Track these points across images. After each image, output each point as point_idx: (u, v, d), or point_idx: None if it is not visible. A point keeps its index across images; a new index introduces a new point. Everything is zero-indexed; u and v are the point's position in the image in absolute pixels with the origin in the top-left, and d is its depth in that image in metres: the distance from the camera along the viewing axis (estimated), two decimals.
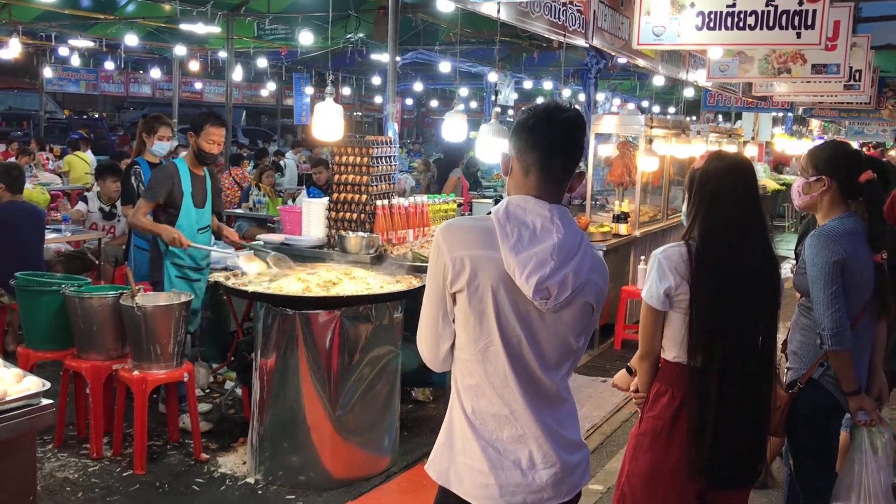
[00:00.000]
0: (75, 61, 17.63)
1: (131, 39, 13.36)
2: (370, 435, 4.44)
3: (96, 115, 26.25)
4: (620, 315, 7.29)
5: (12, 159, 11.25)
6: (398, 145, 5.63)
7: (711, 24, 5.55)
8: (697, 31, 5.61)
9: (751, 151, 13.91)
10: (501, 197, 6.34)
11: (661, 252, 2.61)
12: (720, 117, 20.71)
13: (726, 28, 5.51)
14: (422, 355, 2.21)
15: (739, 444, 2.55)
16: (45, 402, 2.49)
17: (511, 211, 2.02)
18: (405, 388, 5.23)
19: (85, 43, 15.26)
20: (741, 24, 5.46)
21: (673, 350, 2.62)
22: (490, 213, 2.08)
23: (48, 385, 2.49)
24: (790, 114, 17.24)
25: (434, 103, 29.54)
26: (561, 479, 2.11)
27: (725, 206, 2.55)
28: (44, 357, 4.62)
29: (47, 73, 19.21)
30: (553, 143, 2.04)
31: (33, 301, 4.61)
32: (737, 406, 2.53)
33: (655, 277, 2.58)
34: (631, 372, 3.20)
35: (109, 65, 17.68)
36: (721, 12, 5.48)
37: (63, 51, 16.37)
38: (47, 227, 6.79)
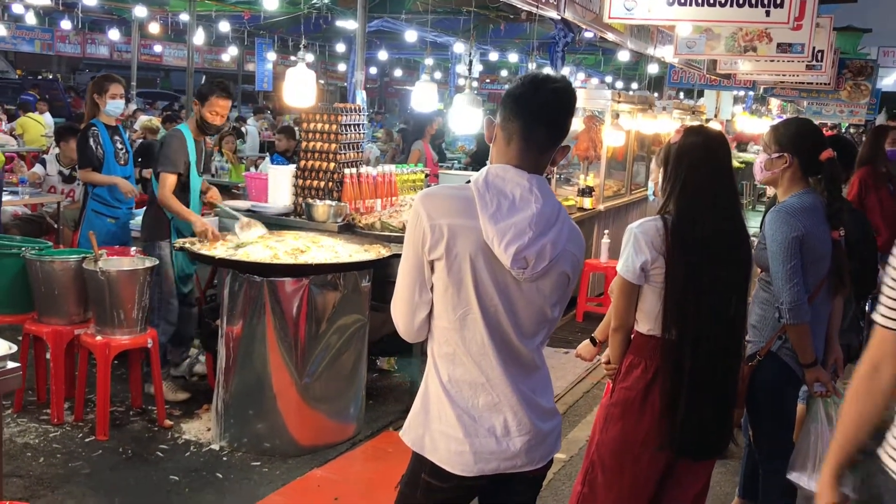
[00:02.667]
0: (30, 19, 17.10)
1: None
2: (336, 403, 4.45)
3: (50, 76, 25.57)
4: (583, 288, 7.37)
5: None
6: (366, 113, 5.58)
7: (682, 0, 5.58)
8: (668, 6, 5.63)
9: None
10: (469, 168, 6.33)
11: (638, 226, 2.64)
12: (682, 94, 20.87)
13: (697, 4, 5.54)
14: (396, 325, 2.21)
15: (708, 416, 2.60)
16: (12, 364, 2.44)
17: (490, 180, 2.02)
18: (370, 357, 5.23)
19: (41, 1, 14.79)
20: (712, 1, 5.49)
21: (647, 323, 2.65)
22: (469, 181, 2.07)
23: (14, 348, 2.45)
24: (751, 92, 17.45)
25: (398, 73, 29.26)
26: (534, 447, 2.13)
27: (701, 181, 2.58)
28: (3, 321, 4.52)
29: (0, 30, 18.61)
30: (536, 113, 2.04)
31: None
32: (707, 378, 2.58)
33: (632, 251, 2.61)
34: (594, 343, 3.25)
35: (66, 24, 17.14)
36: None
37: (17, 8, 15.85)
38: (3, 189, 6.62)
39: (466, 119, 5.05)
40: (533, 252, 1.99)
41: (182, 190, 4.84)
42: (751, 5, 5.38)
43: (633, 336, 2.74)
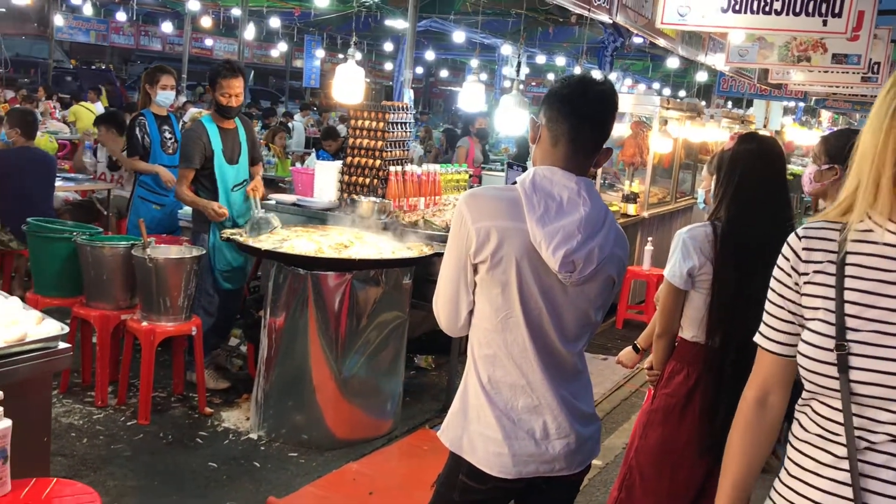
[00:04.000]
0: (87, 10, 17.47)
1: None
2: (374, 398, 4.47)
3: (104, 67, 26.06)
4: (624, 295, 7.31)
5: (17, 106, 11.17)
6: (413, 112, 5.60)
7: (737, 7, 5.51)
8: (722, 13, 5.56)
9: None
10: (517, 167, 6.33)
11: (687, 231, 2.61)
12: (730, 103, 20.60)
13: (752, 12, 5.46)
14: (439, 322, 2.21)
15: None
16: (63, 345, 2.50)
17: (538, 182, 2.01)
18: (408, 355, 5.25)
19: None
20: (767, 9, 5.42)
21: (691, 329, 2.63)
22: (515, 182, 2.07)
23: (66, 329, 2.51)
24: (802, 103, 17.15)
25: (444, 73, 29.32)
26: (574, 451, 2.12)
27: (753, 188, 2.55)
28: (52, 304, 4.62)
29: (58, 20, 19.04)
30: (585, 116, 2.03)
31: (44, 247, 4.62)
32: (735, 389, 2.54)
33: (679, 256, 2.59)
34: (637, 350, 3.22)
35: (121, 16, 17.52)
36: None
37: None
38: (56, 175, 6.77)
39: (512, 120, 5.04)
40: (581, 255, 1.98)
41: (209, 180, 4.80)
42: (807, 14, 5.30)
43: (676, 342, 2.72)
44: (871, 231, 1.43)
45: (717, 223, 2.58)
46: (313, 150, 11.22)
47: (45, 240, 4.61)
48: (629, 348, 3.25)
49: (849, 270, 1.43)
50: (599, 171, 8.04)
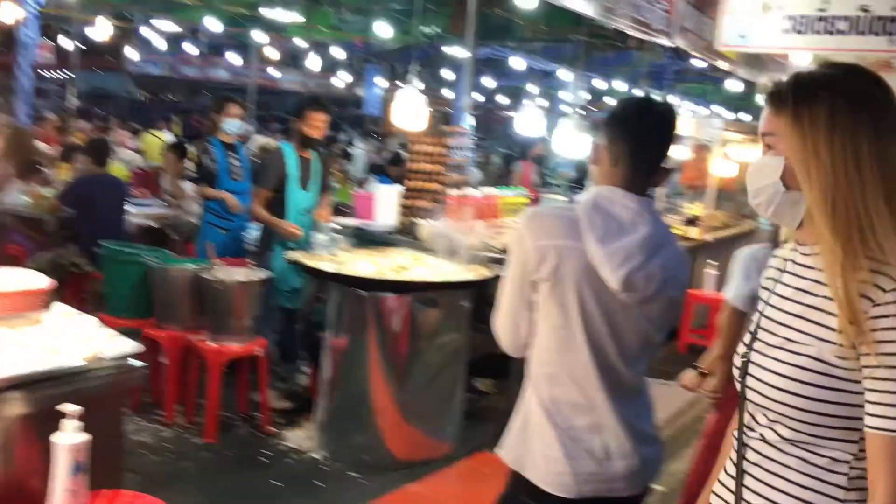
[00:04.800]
0: (157, 43, 18.10)
1: (213, 24, 13.66)
2: (433, 420, 4.50)
3: (174, 98, 26.92)
4: (686, 319, 7.21)
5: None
6: (473, 137, 5.68)
7: (800, 28, 5.42)
8: (785, 34, 5.48)
9: None
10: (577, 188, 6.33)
11: (748, 252, 2.60)
12: None
13: (815, 32, 5.38)
14: (499, 340, 2.24)
15: None
16: (136, 363, 2.59)
17: (598, 202, 2.03)
18: (468, 378, 5.27)
19: (168, 25, 15.65)
20: (831, 29, 5.33)
21: None
22: (575, 202, 2.09)
23: (141, 348, 2.60)
24: None
25: (503, 100, 29.43)
26: (635, 472, 2.11)
27: None
28: (124, 325, 4.75)
29: (130, 54, 19.75)
30: (645, 136, 2.05)
31: (117, 270, 4.80)
32: None
33: (741, 278, 2.57)
34: (699, 372, 3.19)
35: (190, 48, 18.09)
36: (811, 16, 5.36)
37: (147, 33, 16.81)
38: (127, 201, 7.03)
39: (571, 144, 5.05)
40: (642, 276, 1.98)
41: (281, 203, 5.04)
42: (874, 33, 5.19)
43: None
44: (790, 252, 1.56)
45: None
46: (373, 175, 11.39)
47: (117, 263, 4.79)
48: (691, 370, 3.22)
49: (774, 288, 1.56)
50: (663, 192, 7.99)
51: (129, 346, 2.59)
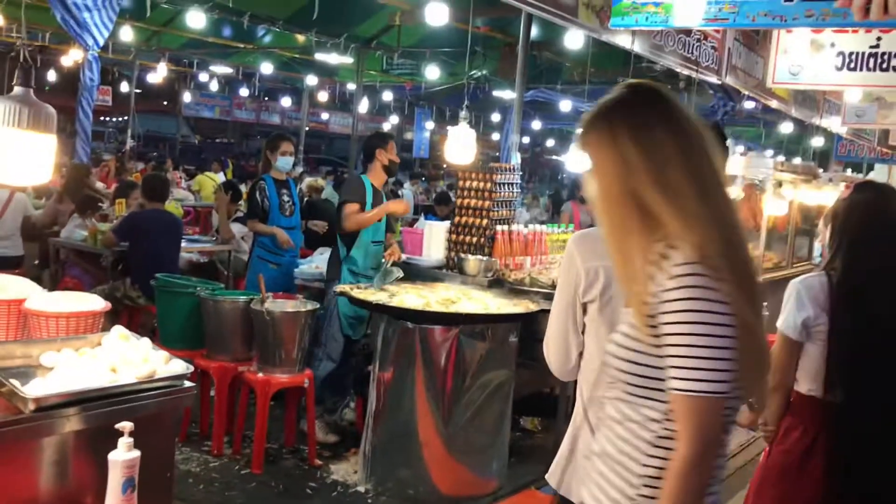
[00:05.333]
0: (213, 87, 18.64)
1: (267, 68, 14.04)
2: (480, 456, 4.46)
3: (227, 141, 27.60)
4: None
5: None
6: (520, 173, 5.71)
7: (852, 65, 5.39)
8: (837, 71, 5.46)
9: None
10: None
11: (801, 281, 2.56)
12: (850, 170, 19.87)
13: (868, 69, 5.34)
14: (549, 364, 2.24)
15: (886, 487, 2.43)
16: (188, 383, 2.64)
17: None
18: (515, 416, 5.22)
19: (223, 70, 16.12)
20: (884, 66, 5.28)
21: (807, 383, 2.54)
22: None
23: (192, 368, 2.65)
24: None
25: (550, 143, 29.56)
26: None
27: (870, 237, 2.48)
28: (176, 355, 4.75)
29: (186, 98, 20.37)
30: None
31: (171, 301, 4.89)
32: (883, 446, 2.42)
33: (793, 307, 2.53)
34: (751, 407, 3.12)
35: (244, 92, 18.60)
36: (863, 53, 5.32)
37: (202, 77, 17.34)
38: (183, 237, 7.19)
39: None
40: None
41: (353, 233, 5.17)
42: None
43: (792, 397, 2.63)
44: None
45: (831, 273, 2.51)
46: (422, 215, 11.50)
47: (171, 294, 4.89)
48: (744, 406, 3.16)
49: None
50: None
51: (181, 367, 2.63)
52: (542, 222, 10.96)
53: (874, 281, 2.45)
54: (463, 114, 5.03)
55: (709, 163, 1.66)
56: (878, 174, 16.54)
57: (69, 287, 6.60)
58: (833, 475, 2.44)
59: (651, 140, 1.65)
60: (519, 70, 6.18)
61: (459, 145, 4.90)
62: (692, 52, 5.52)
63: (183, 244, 7.09)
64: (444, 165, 20.83)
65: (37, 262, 7.84)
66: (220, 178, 14.81)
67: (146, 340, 2.78)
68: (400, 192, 15.82)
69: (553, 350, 2.18)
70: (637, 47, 4.93)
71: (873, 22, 3.26)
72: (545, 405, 5.54)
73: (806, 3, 3.26)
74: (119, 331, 2.78)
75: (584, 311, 2.08)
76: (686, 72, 5.71)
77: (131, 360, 2.59)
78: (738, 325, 1.56)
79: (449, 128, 5.09)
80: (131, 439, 2.31)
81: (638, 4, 3.93)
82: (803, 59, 5.52)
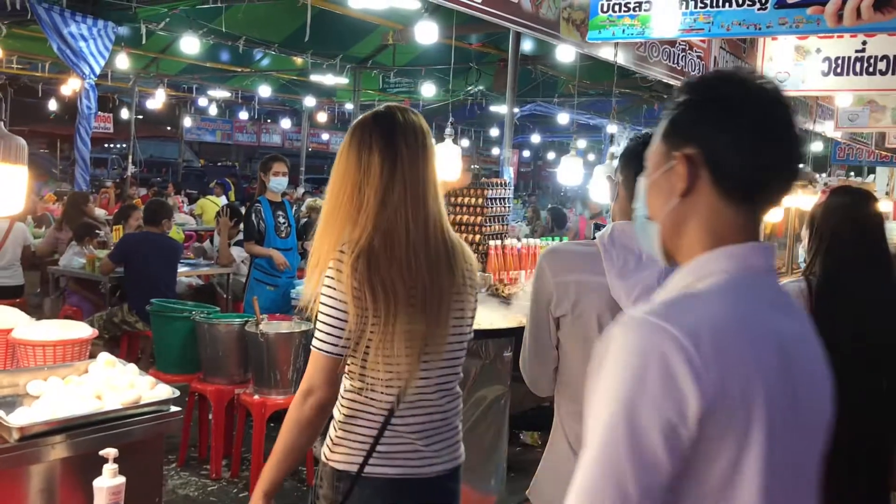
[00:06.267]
0: (213, 111, 18.76)
1: (265, 91, 14.15)
2: (476, 472, 4.44)
3: (229, 164, 27.73)
4: None
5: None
6: (512, 188, 5.72)
7: (838, 70, 5.41)
8: (823, 76, 5.47)
9: (885, 207, 13.25)
10: None
11: None
12: (852, 173, 19.85)
13: (854, 74, 5.35)
14: (525, 379, 2.25)
15: (853, 499, 2.42)
16: (174, 408, 2.65)
17: (616, 236, 2.04)
18: (514, 431, 5.21)
19: (222, 94, 16.23)
20: (871, 70, 5.29)
21: None
22: (595, 237, 2.11)
23: (177, 393, 2.66)
24: None
25: (551, 156, 29.64)
26: None
27: (848, 242, 2.49)
28: (173, 380, 4.85)
29: (187, 122, 20.51)
30: None
31: (166, 326, 4.92)
32: (853, 457, 2.40)
33: None
34: None
35: (244, 115, 18.72)
36: (849, 57, 5.33)
37: (202, 101, 17.46)
38: (182, 261, 7.22)
39: (605, 190, 5.06)
40: None
41: None
42: None
43: None
44: None
45: (811, 278, 2.52)
46: None
47: (166, 319, 4.91)
48: None
49: None
50: None
51: (167, 391, 2.64)
52: (542, 236, 10.98)
53: (853, 285, 2.45)
54: (448, 130, 5.05)
55: (412, 178, 1.99)
56: (880, 176, 16.55)
57: (69, 315, 6.66)
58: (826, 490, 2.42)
59: (367, 159, 1.99)
60: (509, 85, 6.22)
61: (445, 161, 4.91)
62: (678, 63, 5.54)
63: (182, 268, 7.13)
64: None
65: (38, 290, 7.90)
66: (223, 201, 14.89)
67: (132, 366, 2.80)
68: None
69: (528, 366, 2.19)
70: (621, 59, 4.95)
71: (847, 28, 3.28)
72: (545, 419, 5.51)
73: (779, 11, 3.28)
74: (105, 357, 2.80)
75: (558, 326, 2.08)
76: (673, 82, 5.74)
77: (117, 386, 2.60)
78: (361, 299, 1.94)
79: (435, 146, 5.09)
80: (116, 465, 2.32)
81: (614, 18, 3.96)
82: (789, 65, 5.54)
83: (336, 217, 2.01)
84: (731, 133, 1.18)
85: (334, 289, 1.95)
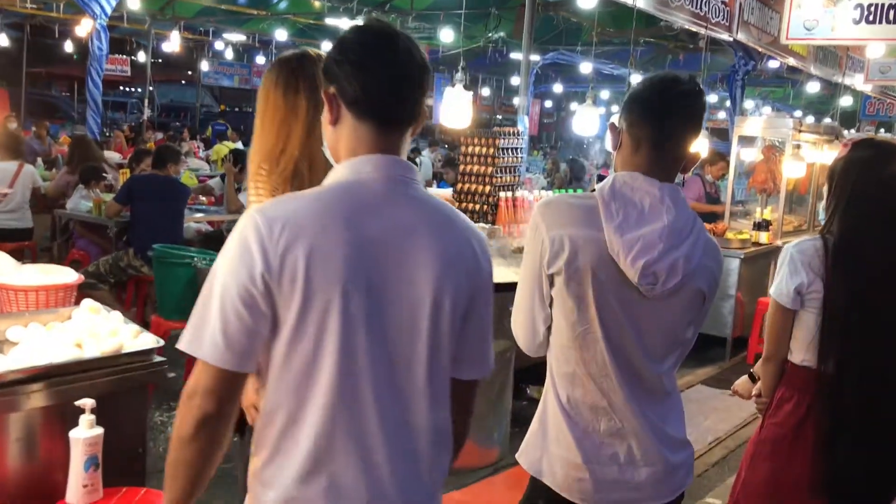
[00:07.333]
0: (229, 55, 18.53)
1: (281, 35, 13.90)
2: (480, 426, 4.37)
3: (250, 109, 27.51)
4: (755, 328, 6.90)
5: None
6: (527, 138, 5.55)
7: (871, 17, 5.13)
8: (855, 24, 5.19)
9: None
10: None
11: (795, 246, 2.41)
12: (882, 130, 19.38)
13: (888, 21, 5.07)
14: (516, 338, 2.14)
15: (874, 459, 2.31)
16: (158, 358, 2.56)
17: (617, 188, 1.89)
18: (521, 385, 5.14)
19: (238, 37, 16.00)
20: None
21: (801, 353, 2.41)
22: (594, 189, 1.96)
23: (161, 342, 2.57)
24: None
25: (574, 106, 29.16)
26: (662, 479, 1.97)
27: (870, 198, 2.32)
28: (175, 326, 4.81)
29: (204, 66, 20.28)
30: (667, 117, 1.90)
31: (167, 272, 4.84)
32: (876, 419, 2.28)
33: (787, 273, 2.38)
34: (753, 378, 2.99)
35: (261, 59, 18.46)
36: (882, 4, 5.05)
37: (218, 45, 17.23)
38: (191, 207, 7.15)
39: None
40: (664, 266, 1.84)
41: None
42: None
43: (786, 367, 2.49)
44: None
45: (828, 237, 2.36)
46: (434, 182, 11.38)
47: (168, 265, 4.83)
48: (745, 377, 3.02)
49: None
50: (729, 198, 7.71)
51: (150, 340, 2.56)
52: (559, 188, 10.79)
53: (871, 244, 2.30)
54: (458, 75, 4.85)
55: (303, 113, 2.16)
56: None
57: (76, 259, 6.61)
58: (821, 449, 2.31)
59: (293, 100, 2.17)
60: (525, 29, 6.01)
61: (455, 108, 4.74)
62: (701, 8, 5.29)
63: (191, 214, 7.05)
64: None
65: (48, 234, 7.86)
66: (240, 146, 14.78)
67: (117, 314, 2.72)
68: (418, 160, 15.69)
69: (520, 324, 2.07)
70: (641, 3, 4.73)
71: None
72: None
73: None
74: (89, 304, 2.72)
75: (551, 284, 1.95)
76: (695, 28, 5.49)
77: (98, 333, 2.52)
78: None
79: (446, 91, 4.93)
80: (93, 416, 2.25)
81: None
82: (818, 12, 5.26)
83: (263, 145, 2.19)
84: (346, 69, 1.50)
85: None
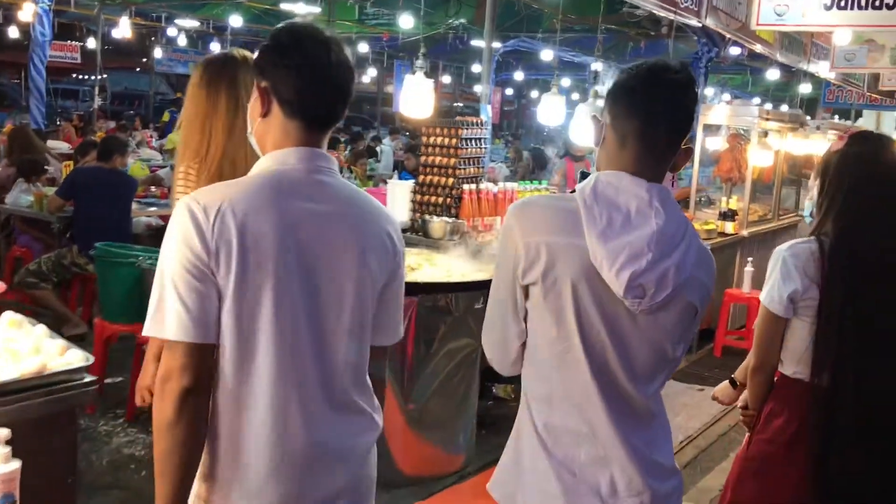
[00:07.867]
0: (182, 42, 18.03)
1: (236, 21, 13.51)
2: (445, 431, 4.19)
3: None
4: (722, 320, 6.81)
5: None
6: (490, 128, 5.34)
7: (842, 3, 5.00)
8: (826, 10, 5.06)
9: None
10: None
11: (788, 249, 2.22)
12: (836, 116, 19.54)
13: (860, 7, 4.94)
14: (488, 356, 1.93)
15: (873, 479, 2.14)
16: (88, 378, 2.31)
17: (600, 190, 1.68)
18: (486, 384, 4.95)
19: (192, 23, 15.54)
20: (877, 3, 4.89)
21: (793, 364, 2.23)
22: (574, 191, 1.75)
23: (91, 359, 2.32)
24: None
25: (535, 95, 28.99)
26: None
27: (867, 197, 2.15)
28: (118, 329, 4.55)
29: (157, 53, 19.72)
30: (656, 110, 1.69)
31: (110, 271, 4.56)
32: (874, 436, 2.12)
33: (779, 278, 2.20)
34: (735, 384, 2.83)
35: (216, 46, 17.96)
36: None
37: (171, 32, 16.73)
38: (140, 200, 6.82)
39: (589, 132, 4.70)
40: (652, 278, 1.64)
41: None
42: None
43: (776, 378, 2.32)
44: None
45: (823, 239, 2.18)
46: (395, 172, 11.14)
47: (110, 264, 4.55)
48: (726, 383, 2.86)
49: None
50: (694, 187, 7.59)
51: (79, 358, 2.30)
52: (525, 178, 10.60)
53: (868, 242, 2.12)
54: (419, 62, 4.61)
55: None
56: (867, 120, 16.23)
57: (18, 256, 6.26)
58: (814, 468, 2.14)
59: (215, 99, 2.28)
60: (488, 16, 5.80)
61: (415, 97, 4.50)
62: None
63: (138, 207, 6.72)
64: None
65: None
66: None
67: (41, 327, 2.45)
68: (379, 149, 15.38)
69: (491, 340, 1.86)
70: None
71: None
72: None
73: None
74: (9, 317, 2.44)
75: (526, 296, 1.74)
76: (663, 13, 5.32)
77: (17, 351, 2.25)
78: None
79: (406, 78, 4.69)
80: (8, 448, 1.99)
81: None
82: None
83: (189, 144, 2.31)
84: (282, 72, 1.62)
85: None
